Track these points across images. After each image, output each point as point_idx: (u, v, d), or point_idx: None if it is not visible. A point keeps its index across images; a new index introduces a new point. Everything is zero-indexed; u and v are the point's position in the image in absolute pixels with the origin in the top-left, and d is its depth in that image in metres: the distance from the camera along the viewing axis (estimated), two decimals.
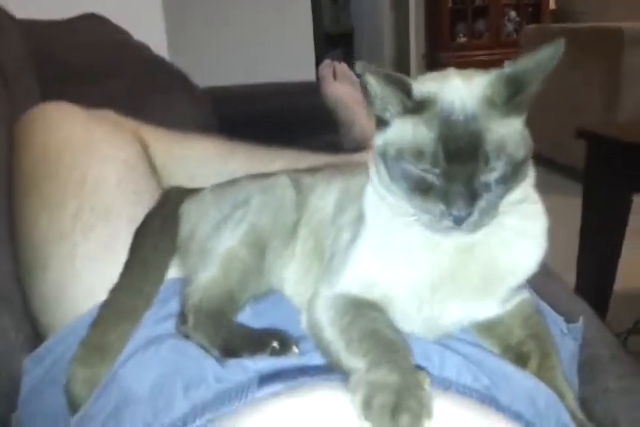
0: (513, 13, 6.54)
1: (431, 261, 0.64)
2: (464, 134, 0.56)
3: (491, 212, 0.59)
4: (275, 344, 0.65)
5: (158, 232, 0.83)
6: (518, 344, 0.70)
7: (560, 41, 0.57)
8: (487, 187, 0.57)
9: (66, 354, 0.73)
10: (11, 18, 1.35)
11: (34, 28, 1.46)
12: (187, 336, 0.70)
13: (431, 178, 0.57)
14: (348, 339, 0.60)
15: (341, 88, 1.97)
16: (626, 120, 3.00)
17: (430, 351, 0.67)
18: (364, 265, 0.66)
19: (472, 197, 0.56)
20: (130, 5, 2.30)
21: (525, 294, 0.73)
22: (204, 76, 2.02)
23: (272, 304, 0.77)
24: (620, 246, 1.89)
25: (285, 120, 1.99)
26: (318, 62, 4.22)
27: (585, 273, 1.91)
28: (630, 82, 3.03)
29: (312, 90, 2.03)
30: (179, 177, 1.02)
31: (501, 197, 0.59)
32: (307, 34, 4.02)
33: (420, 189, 0.58)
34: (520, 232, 0.66)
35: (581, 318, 0.88)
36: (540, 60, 0.57)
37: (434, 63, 6.53)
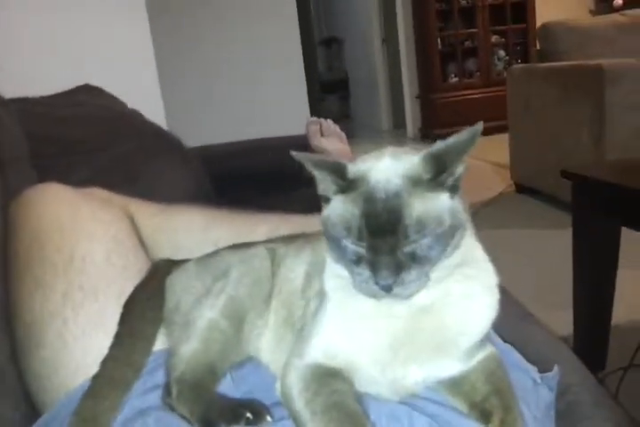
0: (502, 52, 6.68)
1: (387, 327, 0.68)
2: (384, 211, 0.60)
3: (420, 279, 0.62)
4: (248, 415, 0.69)
5: (146, 304, 0.87)
6: (482, 401, 0.73)
7: (479, 124, 0.62)
8: (413, 257, 0.61)
9: None
10: (2, 100, 1.40)
11: (27, 107, 1.52)
12: (172, 408, 0.74)
13: (360, 250, 0.62)
14: (313, 410, 0.65)
15: (329, 143, 2.05)
16: (616, 154, 3.04)
17: (399, 412, 0.70)
18: (326, 336, 0.71)
19: (396, 266, 0.60)
20: (126, 69, 2.41)
21: (489, 350, 0.76)
22: (196, 133, 2.09)
23: (251, 371, 0.81)
24: (613, 281, 1.91)
25: (277, 175, 2.05)
26: (313, 110, 4.33)
27: (580, 307, 1.93)
28: (614, 117, 3.09)
29: (301, 144, 2.09)
30: (164, 247, 1.07)
31: (432, 264, 0.63)
32: (300, 88, 4.14)
33: (353, 259, 0.63)
34: (466, 295, 0.70)
35: (556, 367, 0.90)
36: (461, 140, 0.62)
37: (427, 103, 6.65)
